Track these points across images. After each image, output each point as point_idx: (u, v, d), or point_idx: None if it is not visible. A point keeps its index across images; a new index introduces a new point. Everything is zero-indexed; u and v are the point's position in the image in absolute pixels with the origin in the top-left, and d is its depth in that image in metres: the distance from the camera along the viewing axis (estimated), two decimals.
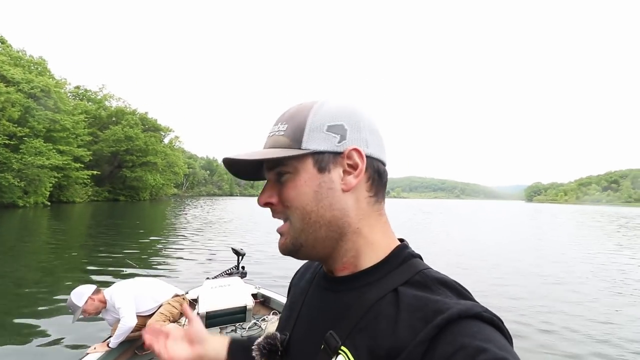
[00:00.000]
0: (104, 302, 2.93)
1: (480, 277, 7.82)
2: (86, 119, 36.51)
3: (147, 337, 0.68)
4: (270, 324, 3.46)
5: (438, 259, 9.61)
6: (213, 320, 2.77)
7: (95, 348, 2.74)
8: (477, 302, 0.43)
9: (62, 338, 3.98)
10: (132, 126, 42.95)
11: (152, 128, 48.43)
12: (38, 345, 3.83)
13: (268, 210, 0.54)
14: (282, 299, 3.78)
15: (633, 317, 5.42)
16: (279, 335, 0.56)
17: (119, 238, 12.18)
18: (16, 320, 4.50)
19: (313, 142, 0.48)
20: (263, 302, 3.97)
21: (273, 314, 3.76)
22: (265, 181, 0.55)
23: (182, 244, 11.06)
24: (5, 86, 24.54)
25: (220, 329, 2.89)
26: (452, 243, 13.78)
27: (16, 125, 24.66)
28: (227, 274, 4.27)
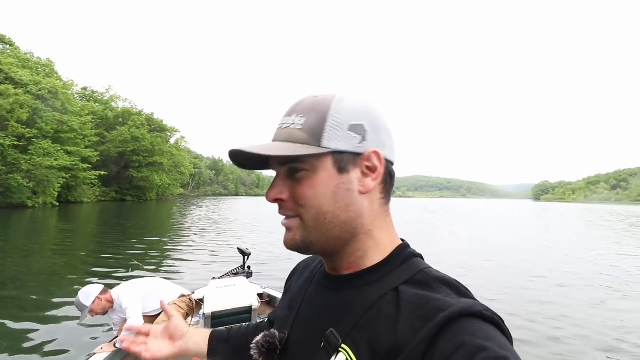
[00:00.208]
0: (111, 302, 2.93)
1: (490, 278, 7.73)
2: (93, 120, 36.98)
3: (125, 342, 0.68)
4: None
5: (445, 259, 9.54)
6: (219, 320, 2.77)
7: (102, 348, 2.76)
8: (477, 300, 0.43)
9: (70, 338, 4.00)
10: (138, 127, 43.42)
11: (159, 128, 48.97)
12: (45, 344, 3.85)
13: (274, 209, 0.52)
14: None
15: None
16: (277, 333, 0.55)
17: (125, 238, 12.27)
18: (22, 321, 4.52)
19: (334, 141, 0.46)
20: (269, 302, 3.94)
21: None
22: (274, 175, 0.53)
23: (188, 244, 11.10)
24: (14, 88, 24.91)
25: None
26: (458, 243, 13.64)
27: (25, 126, 24.97)
28: (233, 274, 4.26)
